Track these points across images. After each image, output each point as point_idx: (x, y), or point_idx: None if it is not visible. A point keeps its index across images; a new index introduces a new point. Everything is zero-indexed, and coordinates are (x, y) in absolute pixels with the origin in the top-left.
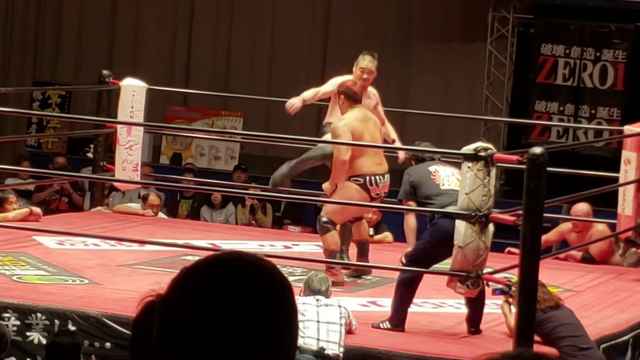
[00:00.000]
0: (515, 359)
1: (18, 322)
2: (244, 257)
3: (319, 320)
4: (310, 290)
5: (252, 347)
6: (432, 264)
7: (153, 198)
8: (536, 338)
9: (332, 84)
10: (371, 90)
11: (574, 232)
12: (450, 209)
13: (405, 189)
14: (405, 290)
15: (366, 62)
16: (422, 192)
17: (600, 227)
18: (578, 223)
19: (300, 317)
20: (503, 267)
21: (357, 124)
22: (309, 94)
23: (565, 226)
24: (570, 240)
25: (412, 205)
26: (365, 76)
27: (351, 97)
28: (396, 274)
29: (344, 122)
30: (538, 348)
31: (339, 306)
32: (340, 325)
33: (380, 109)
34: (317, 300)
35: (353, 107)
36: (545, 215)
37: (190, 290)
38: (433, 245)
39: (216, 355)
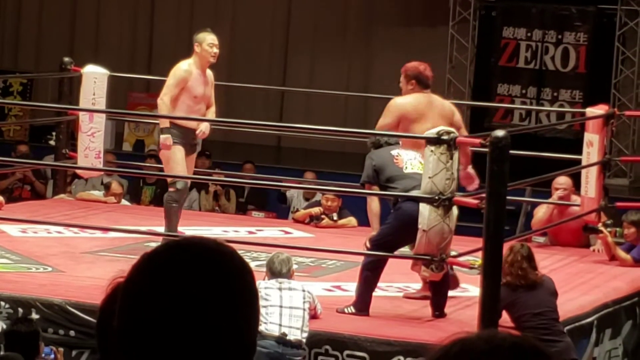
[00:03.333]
0: (490, 339)
1: None
2: (204, 243)
3: (282, 305)
4: (272, 272)
5: (213, 333)
6: (396, 248)
7: (115, 186)
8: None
9: (176, 79)
10: (209, 71)
11: (556, 209)
12: (413, 193)
13: (368, 173)
14: (370, 275)
15: (212, 36)
16: (384, 176)
17: (578, 201)
18: (562, 197)
19: (262, 302)
20: (467, 250)
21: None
22: (164, 110)
23: (543, 208)
24: (554, 218)
25: (375, 189)
26: (215, 50)
27: (422, 83)
28: (360, 258)
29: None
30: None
31: (303, 290)
32: (304, 310)
33: (213, 91)
34: (280, 283)
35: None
36: (509, 197)
37: (150, 275)
38: (397, 229)
39: (177, 342)
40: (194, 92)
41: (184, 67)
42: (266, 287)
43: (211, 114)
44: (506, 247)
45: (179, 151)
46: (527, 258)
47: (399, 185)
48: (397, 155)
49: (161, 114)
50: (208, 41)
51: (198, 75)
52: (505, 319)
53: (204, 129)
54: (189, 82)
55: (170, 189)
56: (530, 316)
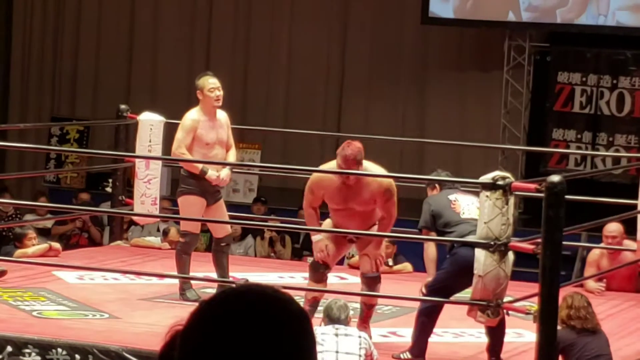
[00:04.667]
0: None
1: (39, 358)
2: (262, 289)
3: (338, 350)
4: (330, 318)
5: None
6: (452, 293)
7: (174, 233)
8: None
9: (184, 130)
10: (221, 114)
11: (605, 257)
12: (469, 238)
13: (426, 218)
14: (426, 320)
15: (212, 80)
16: (442, 221)
17: (632, 246)
18: (612, 244)
19: (318, 348)
20: (523, 296)
21: None
22: (186, 154)
23: (593, 256)
24: (603, 266)
25: (433, 235)
26: (217, 93)
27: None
28: (416, 304)
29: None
30: None
31: (359, 336)
32: (360, 356)
33: (230, 133)
34: (336, 329)
35: None
36: (564, 243)
37: (209, 322)
38: (453, 274)
39: None
40: (205, 140)
41: (191, 116)
42: (322, 333)
43: (231, 156)
44: (563, 295)
45: (193, 203)
46: (589, 304)
47: (456, 231)
48: (454, 200)
49: (194, 160)
50: (208, 87)
51: (206, 121)
52: None
53: (223, 176)
54: (198, 131)
55: (180, 240)
56: (591, 358)
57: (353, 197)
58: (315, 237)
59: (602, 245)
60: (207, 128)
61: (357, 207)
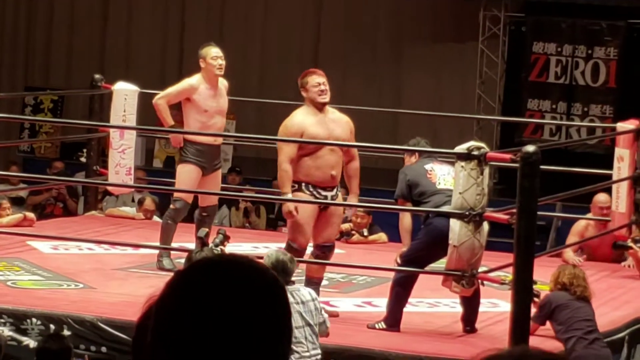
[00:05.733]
0: (523, 357)
1: (13, 328)
2: (237, 259)
3: (303, 324)
4: (286, 272)
5: (247, 349)
6: (427, 263)
7: (149, 202)
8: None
9: (176, 89)
10: (222, 83)
11: (592, 227)
12: (444, 209)
13: (401, 188)
14: (401, 290)
15: (215, 49)
16: (417, 191)
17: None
18: (606, 215)
19: None
20: (498, 266)
21: None
22: (166, 108)
23: (578, 227)
24: (589, 235)
25: (408, 205)
26: (220, 62)
27: None
28: (391, 274)
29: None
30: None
31: (313, 300)
32: (316, 324)
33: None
34: (290, 292)
35: None
36: (539, 213)
37: (184, 292)
38: (428, 245)
39: (209, 358)
40: (203, 107)
41: (190, 81)
42: None
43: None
44: (562, 264)
45: (190, 172)
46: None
47: (431, 201)
48: (430, 170)
49: (175, 129)
50: (211, 55)
51: (206, 89)
52: (541, 328)
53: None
54: (194, 96)
55: (171, 207)
56: (582, 320)
57: (335, 127)
58: (288, 196)
59: (589, 215)
60: (207, 96)
61: (340, 138)
